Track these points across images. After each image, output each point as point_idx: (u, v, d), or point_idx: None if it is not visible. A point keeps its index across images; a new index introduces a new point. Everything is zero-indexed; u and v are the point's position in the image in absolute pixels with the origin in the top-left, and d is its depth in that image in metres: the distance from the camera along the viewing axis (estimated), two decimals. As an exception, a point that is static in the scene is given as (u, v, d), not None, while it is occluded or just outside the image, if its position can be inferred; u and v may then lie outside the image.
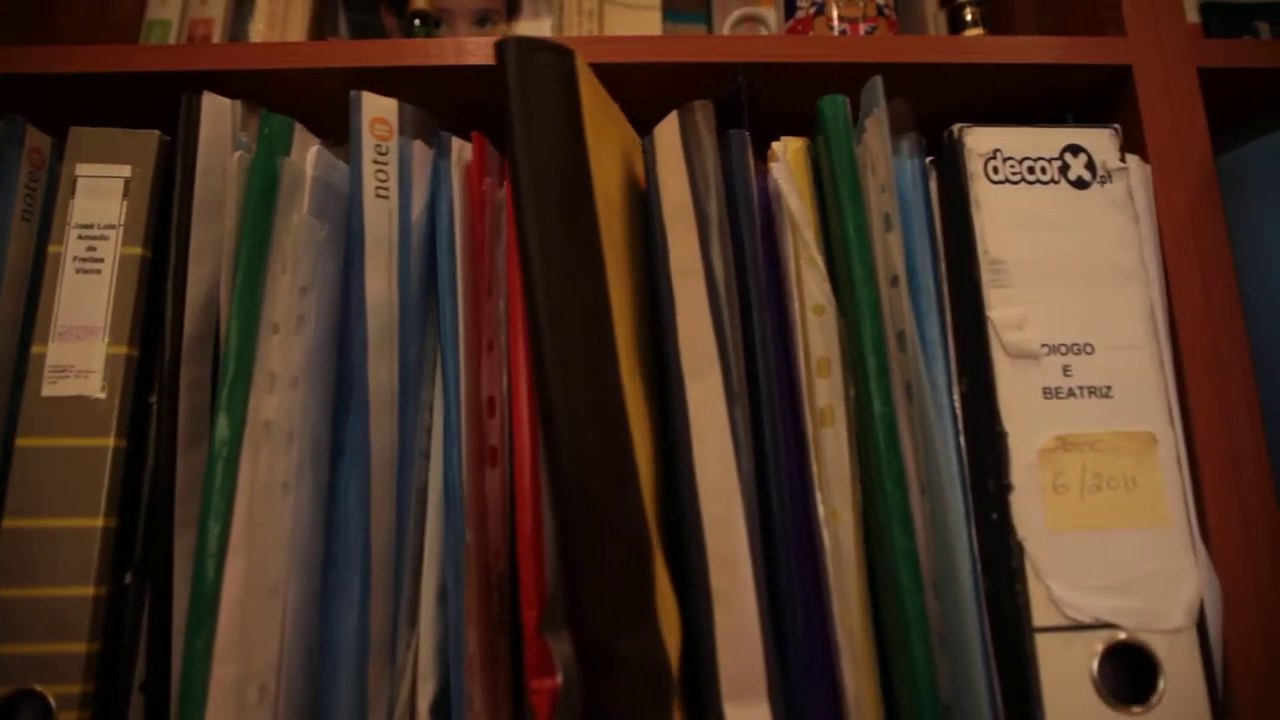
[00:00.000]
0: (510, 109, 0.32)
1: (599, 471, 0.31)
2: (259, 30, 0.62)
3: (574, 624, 0.31)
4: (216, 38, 0.63)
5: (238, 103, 0.43)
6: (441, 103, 0.48)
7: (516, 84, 0.33)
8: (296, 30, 0.63)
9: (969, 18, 0.58)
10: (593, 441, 0.31)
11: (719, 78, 0.47)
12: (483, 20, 0.64)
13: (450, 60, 0.45)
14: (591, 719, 0.31)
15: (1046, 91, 0.49)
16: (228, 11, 0.64)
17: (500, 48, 0.33)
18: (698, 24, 0.67)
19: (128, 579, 0.40)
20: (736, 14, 0.60)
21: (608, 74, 0.47)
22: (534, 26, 0.64)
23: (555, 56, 0.34)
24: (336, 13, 0.65)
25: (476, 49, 0.46)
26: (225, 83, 0.46)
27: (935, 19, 0.64)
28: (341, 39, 0.66)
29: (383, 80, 0.47)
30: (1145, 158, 0.44)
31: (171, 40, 0.62)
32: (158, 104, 0.48)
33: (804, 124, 0.46)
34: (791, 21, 0.55)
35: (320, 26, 0.65)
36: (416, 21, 0.61)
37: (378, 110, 0.40)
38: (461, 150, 0.42)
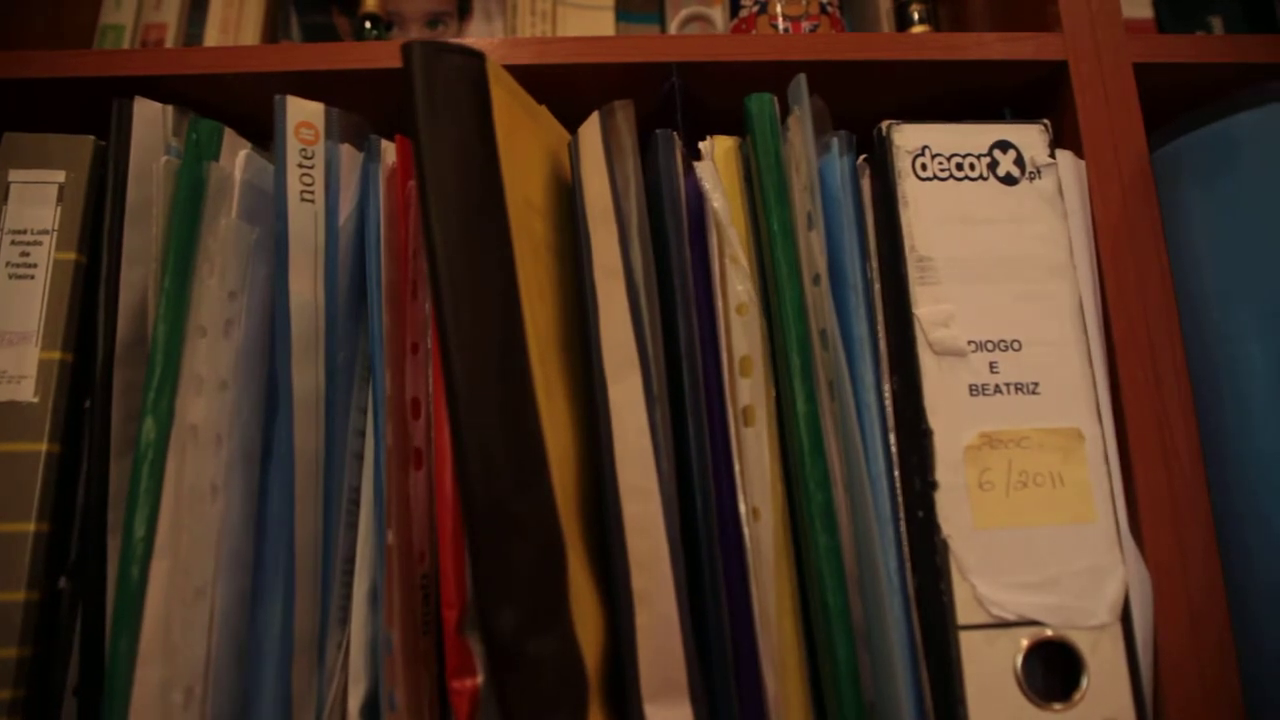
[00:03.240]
0: (415, 112, 0.32)
1: (505, 470, 0.31)
2: (212, 35, 0.62)
3: (482, 624, 0.31)
4: (170, 42, 0.63)
5: (169, 108, 0.44)
6: (385, 106, 0.48)
7: (422, 87, 0.33)
8: (250, 34, 0.63)
9: (915, 16, 0.58)
10: (499, 441, 0.31)
11: (665, 77, 0.47)
12: (434, 22, 0.64)
13: (393, 63, 0.45)
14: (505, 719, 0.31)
15: (986, 88, 0.49)
16: (181, 16, 0.64)
17: (406, 50, 0.33)
18: (650, 24, 0.67)
19: (62, 583, 0.40)
20: (684, 13, 0.60)
21: (555, 75, 0.47)
22: (485, 29, 0.64)
23: (464, 59, 0.34)
24: (289, 16, 0.65)
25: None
26: (172, 88, 0.46)
27: (888, 17, 0.64)
28: (292, 42, 0.66)
29: (326, 84, 0.47)
30: (1080, 153, 0.44)
31: (125, 45, 0.62)
32: (98, 109, 0.49)
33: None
34: (735, 20, 0.55)
35: (274, 30, 0.65)
36: (367, 24, 0.61)
37: (302, 114, 0.40)
38: (390, 153, 0.42)
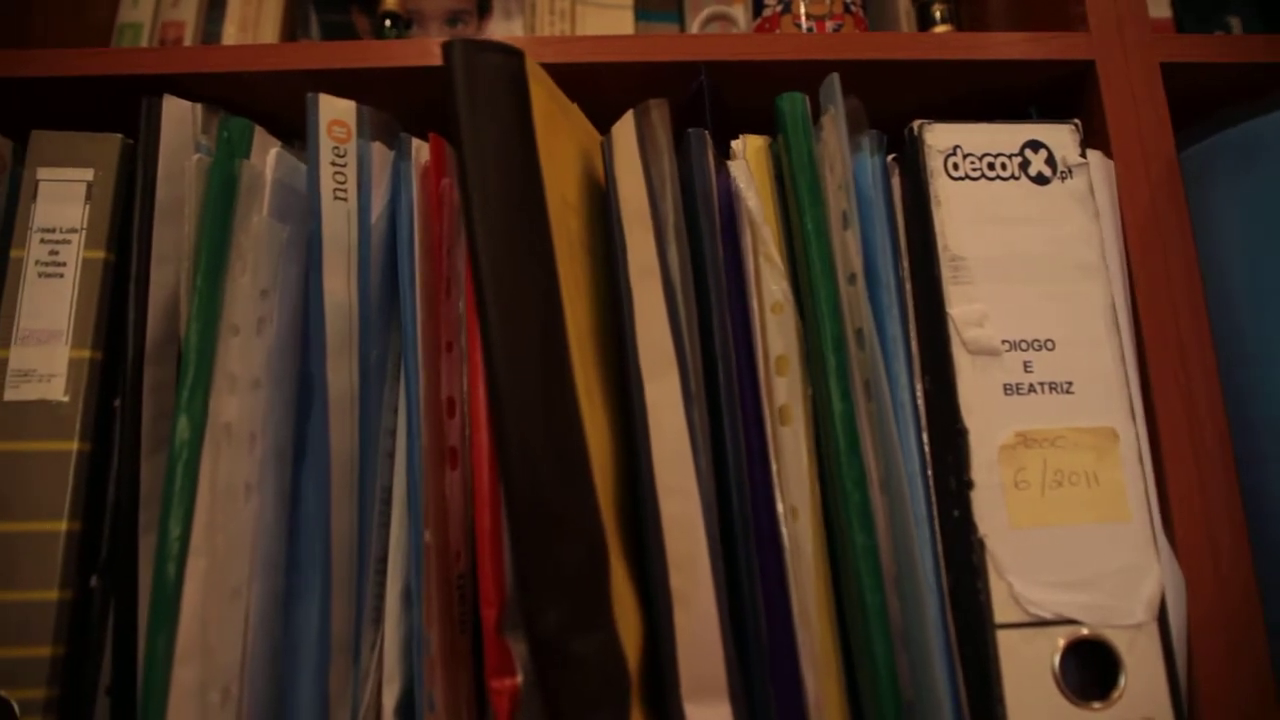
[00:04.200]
0: (456, 110, 0.32)
1: (549, 469, 0.31)
2: (230, 33, 0.62)
3: (526, 622, 0.31)
4: (188, 40, 0.63)
5: (199, 106, 0.43)
6: (409, 104, 0.48)
7: (463, 85, 0.33)
8: (268, 32, 0.63)
9: (937, 15, 0.58)
10: (543, 440, 0.31)
11: (689, 77, 0.47)
12: (454, 21, 0.64)
13: (416, 61, 0.45)
14: (549, 718, 0.31)
15: (1011, 87, 0.50)
16: (199, 14, 0.64)
17: (447, 48, 0.33)
18: (670, 23, 0.67)
19: (93, 582, 0.40)
20: (706, 12, 0.60)
21: (578, 74, 0.47)
22: (505, 27, 0.64)
23: (504, 57, 0.34)
24: (308, 14, 0.65)
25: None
26: (193, 86, 0.46)
27: (908, 16, 0.64)
28: (312, 40, 0.65)
29: (350, 82, 0.47)
30: (1108, 153, 0.44)
31: (144, 43, 0.62)
32: (122, 107, 0.48)
33: (772, 122, 0.46)
34: (759, 20, 0.55)
35: (292, 28, 0.65)
36: (387, 23, 0.61)
37: (335, 112, 0.40)
38: (421, 151, 0.42)
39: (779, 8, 0.54)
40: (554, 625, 0.31)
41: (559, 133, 0.38)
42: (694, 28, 0.60)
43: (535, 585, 0.31)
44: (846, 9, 0.53)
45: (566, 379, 0.33)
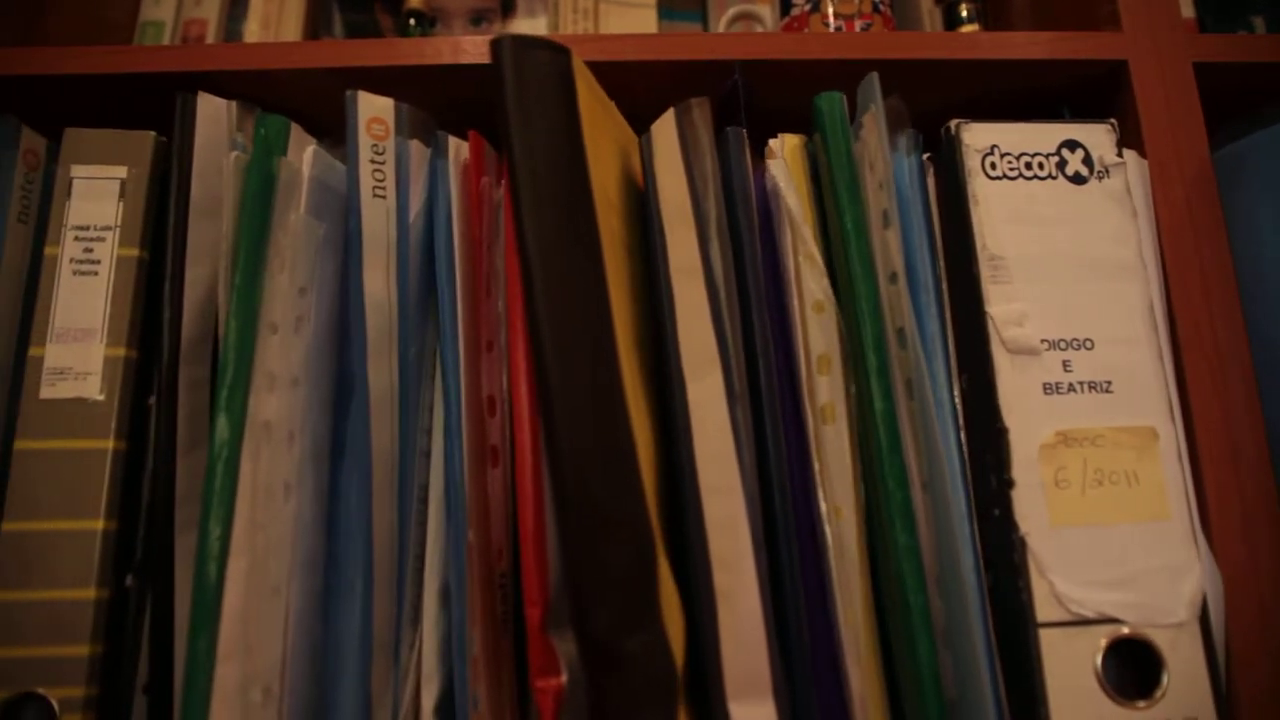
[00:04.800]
0: (506, 107, 0.32)
1: (600, 469, 0.31)
2: (253, 31, 0.62)
3: (577, 623, 0.31)
4: (210, 38, 0.63)
5: (234, 103, 0.43)
6: (437, 102, 0.47)
7: (512, 82, 0.32)
8: (291, 30, 0.62)
9: (964, 14, 0.58)
10: (593, 439, 0.31)
11: (716, 75, 0.47)
12: (478, 19, 0.64)
13: (446, 59, 0.45)
14: (596, 718, 0.31)
15: (1041, 87, 0.50)
16: (222, 12, 0.64)
17: (496, 46, 0.33)
18: (693, 22, 0.67)
19: (129, 581, 0.40)
20: (732, 11, 0.60)
21: (605, 72, 0.46)
22: (529, 25, 0.64)
23: (551, 54, 0.34)
24: (331, 13, 0.65)
25: (472, 48, 0.46)
26: (219, 83, 0.46)
27: (930, 15, 0.64)
28: (336, 39, 0.65)
29: (378, 80, 0.47)
30: (1142, 152, 0.44)
31: (166, 41, 0.62)
32: (151, 105, 0.48)
33: (800, 121, 0.46)
34: (787, 19, 0.55)
35: (315, 26, 0.64)
36: (411, 21, 0.61)
37: (374, 110, 0.40)
38: (459, 149, 0.42)
39: (807, 7, 0.54)
40: (604, 625, 0.31)
41: (601, 130, 0.38)
42: (720, 27, 0.60)
43: (585, 585, 0.31)
44: (875, 8, 0.53)
45: (615, 378, 0.33)
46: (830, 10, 0.53)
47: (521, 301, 0.35)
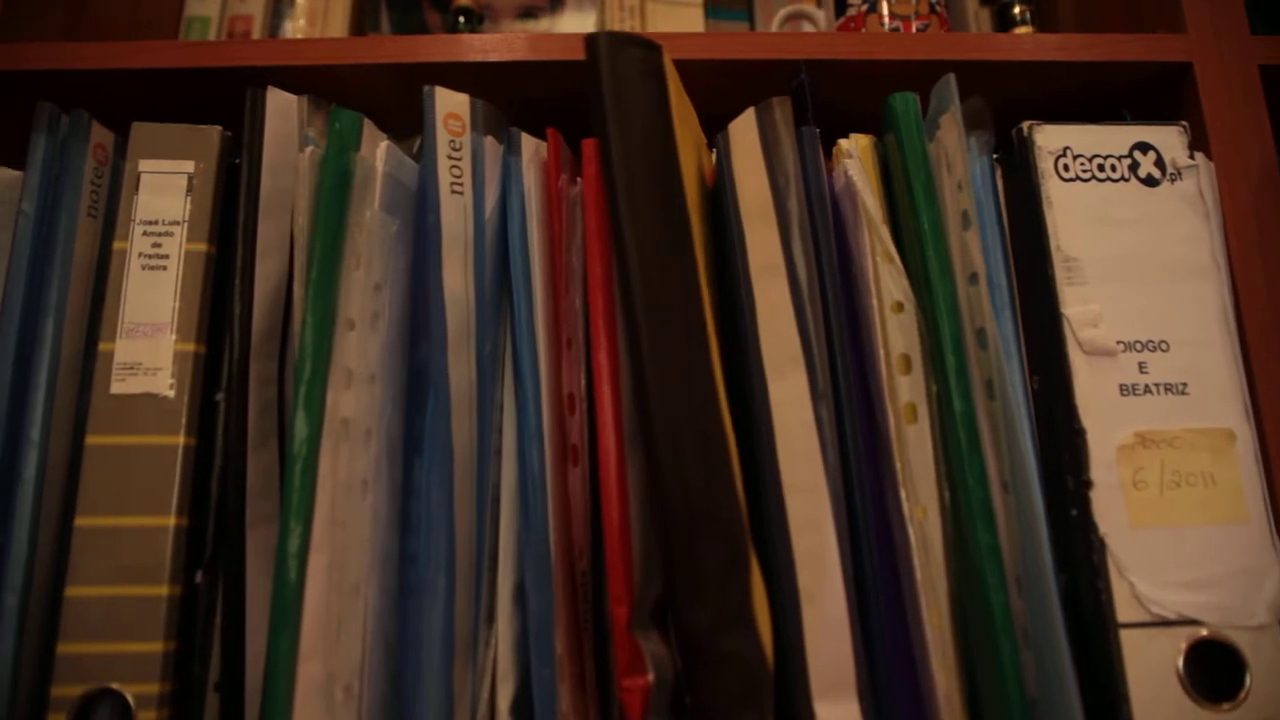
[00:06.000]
0: (603, 104, 0.32)
1: (698, 468, 0.31)
2: (300, 27, 0.62)
3: (676, 622, 0.31)
4: (256, 34, 0.62)
5: (304, 98, 0.43)
6: (493, 100, 0.47)
7: (609, 79, 0.32)
8: (337, 27, 0.62)
9: (1018, 15, 0.58)
10: (691, 439, 0.31)
11: (768, 74, 0.47)
12: (526, 15, 0.64)
13: (520, 55, 0.45)
14: (694, 717, 0.31)
15: (1099, 89, 0.50)
16: (267, 8, 0.63)
17: (591, 41, 0.33)
18: (740, 21, 0.66)
19: (199, 578, 0.39)
20: (785, 11, 0.60)
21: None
22: (578, 21, 0.64)
23: (645, 51, 0.34)
24: (378, 9, 0.65)
25: (548, 45, 0.45)
26: (276, 78, 0.46)
27: (976, 17, 0.64)
28: (388, 35, 0.65)
29: (435, 77, 0.46)
30: (1207, 154, 0.44)
31: (211, 36, 0.62)
32: (203, 100, 0.48)
33: (857, 121, 0.46)
34: (843, 19, 0.55)
35: (361, 23, 0.64)
36: (460, 18, 0.61)
37: (451, 105, 0.40)
38: (535, 147, 0.42)
39: (864, 7, 0.54)
40: (703, 624, 0.31)
41: (685, 127, 0.38)
42: (773, 27, 0.60)
43: (684, 584, 0.30)
44: (932, 9, 0.53)
45: (709, 375, 0.33)
46: (887, 10, 0.53)
47: (614, 298, 0.36)
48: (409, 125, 0.45)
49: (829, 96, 0.49)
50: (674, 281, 0.32)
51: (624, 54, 0.33)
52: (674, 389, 0.31)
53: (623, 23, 0.63)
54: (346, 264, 0.39)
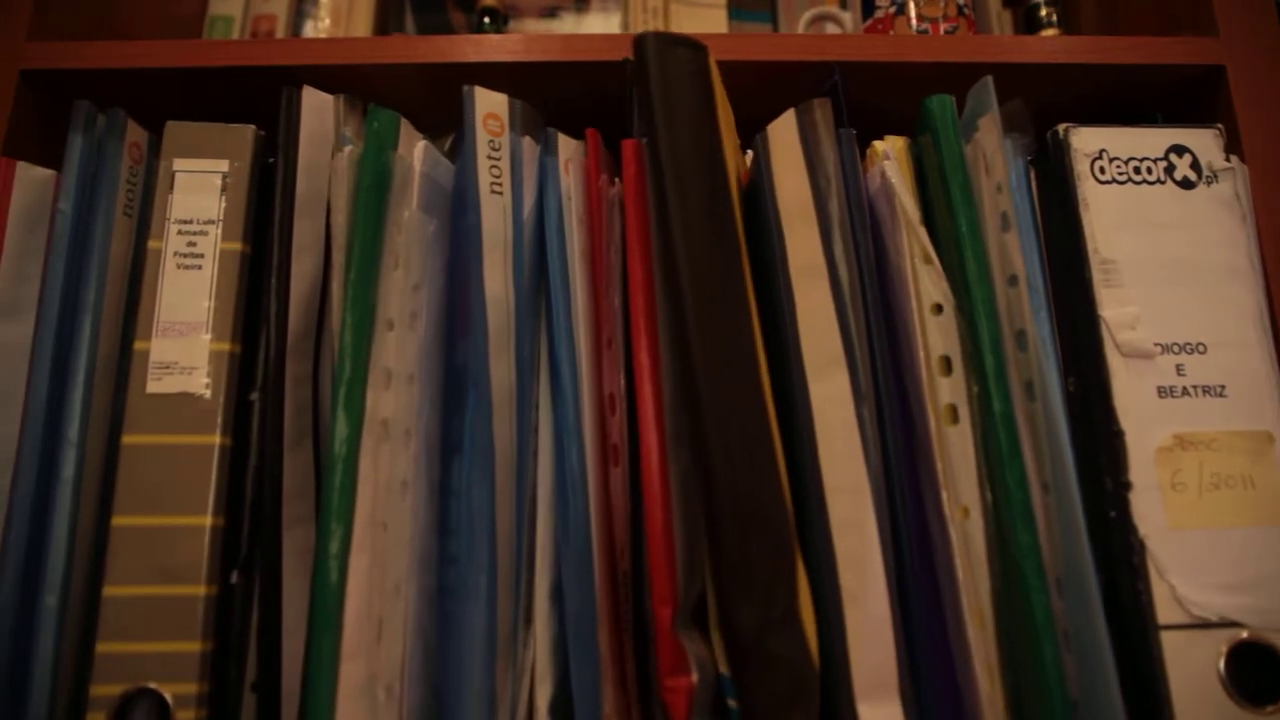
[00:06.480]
0: (652, 102, 0.32)
1: (746, 469, 0.31)
2: (325, 27, 0.62)
3: (725, 622, 0.31)
4: (279, 33, 0.62)
5: (340, 97, 0.43)
6: (526, 100, 0.47)
7: (657, 79, 0.32)
8: (361, 27, 0.62)
9: (1045, 18, 0.58)
10: (740, 440, 0.31)
11: (796, 76, 0.47)
12: (551, 14, 0.64)
13: (555, 56, 0.45)
14: (742, 717, 0.31)
15: (1127, 91, 0.50)
16: (290, 7, 0.63)
17: (640, 42, 0.33)
18: (763, 22, 0.67)
19: (234, 578, 0.39)
20: (811, 13, 0.60)
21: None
22: (603, 21, 0.64)
23: (692, 52, 0.34)
24: (403, 9, 0.65)
25: (581, 46, 0.45)
26: (306, 78, 0.46)
27: (999, 19, 0.64)
28: (414, 35, 0.65)
29: (466, 76, 0.46)
30: (1240, 157, 0.45)
31: (235, 35, 0.62)
32: (230, 99, 0.48)
33: (884, 122, 0.46)
34: (870, 21, 0.55)
35: (385, 23, 0.64)
36: (486, 19, 0.61)
37: (490, 105, 0.40)
38: (572, 148, 0.42)
39: (892, 9, 0.54)
40: (751, 624, 0.31)
41: (727, 129, 0.38)
42: (800, 28, 0.60)
43: (733, 584, 0.31)
44: (960, 11, 0.53)
45: (756, 372, 0.33)
46: (915, 12, 0.53)
47: (654, 298, 0.35)
48: (436, 125, 0.45)
49: (858, 99, 0.49)
50: (722, 279, 0.32)
51: (673, 54, 0.33)
52: (723, 385, 0.31)
53: (646, 23, 0.63)
54: (385, 264, 0.39)
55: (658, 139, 0.32)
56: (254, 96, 0.48)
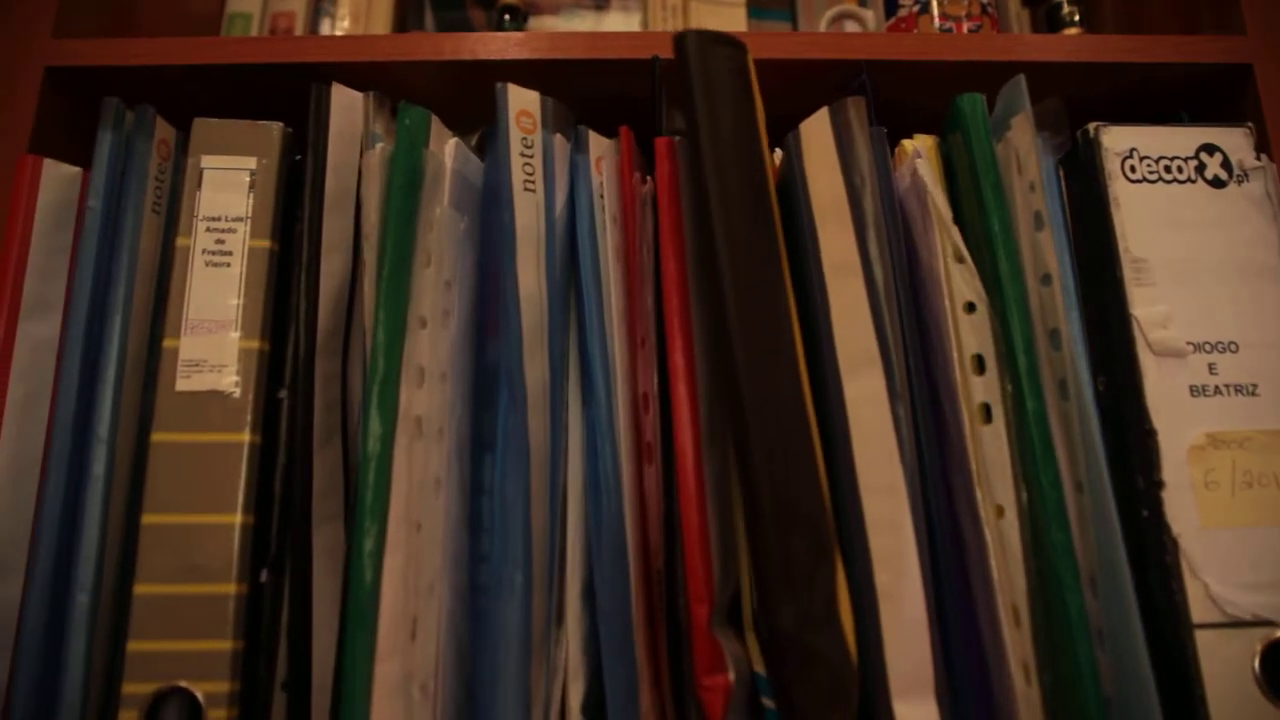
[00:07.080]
0: (693, 99, 0.32)
1: (787, 467, 0.31)
2: (343, 24, 0.62)
3: (766, 620, 0.31)
4: (298, 30, 0.62)
5: (370, 95, 0.43)
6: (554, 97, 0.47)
7: (699, 74, 0.32)
8: (380, 24, 0.62)
9: (1068, 16, 0.58)
10: (782, 438, 0.31)
11: (822, 75, 0.47)
12: (570, 13, 0.64)
13: (582, 54, 0.45)
14: (782, 715, 0.31)
15: (1152, 89, 0.50)
16: (309, 4, 0.63)
17: (680, 40, 0.33)
18: (783, 21, 0.66)
19: (263, 577, 0.39)
20: (833, 12, 0.60)
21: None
22: (623, 20, 0.64)
23: (732, 50, 0.34)
24: (422, 7, 0.65)
25: (608, 44, 0.45)
26: (333, 75, 0.45)
27: (1018, 18, 0.64)
28: (435, 31, 0.65)
29: (493, 73, 0.46)
30: (1268, 156, 0.45)
31: (253, 33, 0.62)
32: (251, 96, 0.48)
33: (909, 120, 0.46)
34: (893, 20, 0.55)
35: (404, 19, 0.64)
36: (506, 16, 0.61)
37: (523, 103, 0.40)
38: (603, 146, 0.41)
39: (915, 8, 0.54)
40: (792, 622, 0.31)
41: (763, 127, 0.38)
42: (822, 26, 0.60)
43: (774, 582, 0.30)
44: (984, 10, 0.53)
45: (795, 365, 0.33)
46: (938, 11, 0.53)
47: (688, 297, 0.35)
48: (459, 122, 0.44)
49: (881, 97, 0.49)
50: (763, 272, 0.32)
51: (713, 51, 0.33)
52: (763, 374, 0.31)
53: (666, 22, 0.63)
54: (418, 261, 0.39)
55: (700, 136, 0.32)
56: (276, 94, 0.47)
